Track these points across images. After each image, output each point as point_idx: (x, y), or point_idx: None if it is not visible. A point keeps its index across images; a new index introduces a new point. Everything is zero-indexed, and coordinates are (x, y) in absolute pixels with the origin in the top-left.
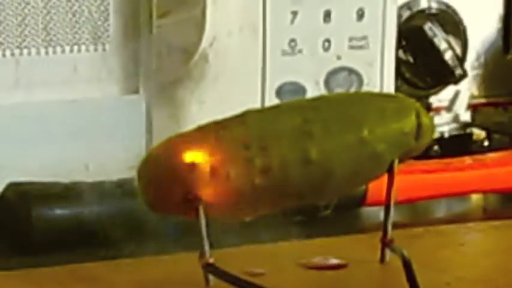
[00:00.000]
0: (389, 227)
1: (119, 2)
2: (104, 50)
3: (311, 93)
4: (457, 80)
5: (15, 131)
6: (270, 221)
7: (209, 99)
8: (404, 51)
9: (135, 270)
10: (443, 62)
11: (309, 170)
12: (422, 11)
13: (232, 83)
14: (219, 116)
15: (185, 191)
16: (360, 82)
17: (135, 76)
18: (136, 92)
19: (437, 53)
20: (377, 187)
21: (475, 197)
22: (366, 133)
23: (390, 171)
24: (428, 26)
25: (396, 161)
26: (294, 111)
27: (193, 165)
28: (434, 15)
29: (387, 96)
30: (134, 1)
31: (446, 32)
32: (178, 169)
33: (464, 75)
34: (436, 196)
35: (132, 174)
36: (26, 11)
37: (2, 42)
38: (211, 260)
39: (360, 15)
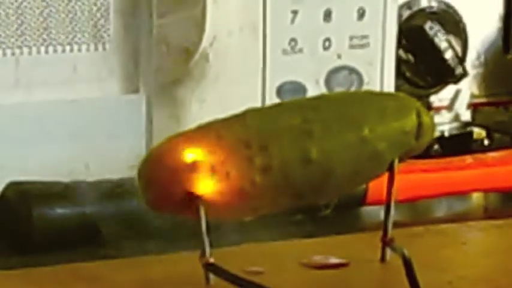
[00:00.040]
0: (390, 226)
1: (119, 2)
2: (104, 49)
3: (311, 92)
4: (457, 79)
5: (15, 131)
6: (270, 221)
7: (209, 98)
8: (405, 51)
9: (135, 269)
10: (444, 61)
11: (309, 169)
12: (422, 10)
13: (232, 82)
14: (220, 116)
15: (185, 191)
16: (360, 81)
17: (135, 76)
18: (137, 91)
19: (438, 52)
20: (377, 186)
21: (476, 196)
22: (366, 132)
23: (391, 170)
24: (428, 25)
25: (396, 160)
26: (294, 111)
27: (193, 165)
28: (434, 14)
29: (387, 95)
30: (134, 1)
31: (447, 31)
32: (179, 168)
33: (464, 74)
34: (436, 195)
35: (132, 174)
36: (26, 10)
37: (2, 42)
38: (211, 260)
39: (361, 14)
